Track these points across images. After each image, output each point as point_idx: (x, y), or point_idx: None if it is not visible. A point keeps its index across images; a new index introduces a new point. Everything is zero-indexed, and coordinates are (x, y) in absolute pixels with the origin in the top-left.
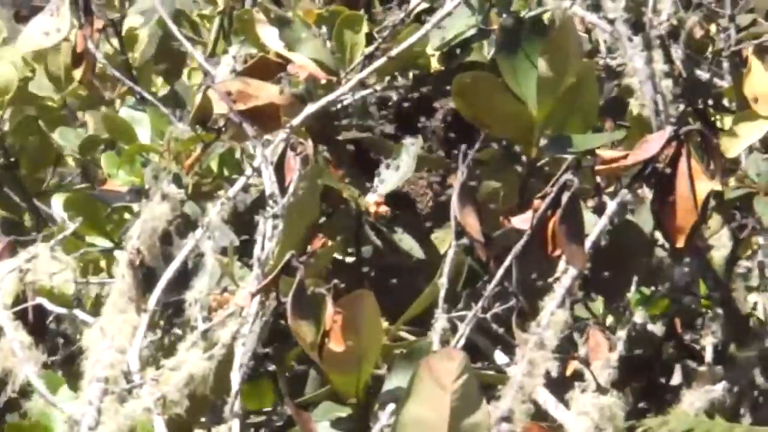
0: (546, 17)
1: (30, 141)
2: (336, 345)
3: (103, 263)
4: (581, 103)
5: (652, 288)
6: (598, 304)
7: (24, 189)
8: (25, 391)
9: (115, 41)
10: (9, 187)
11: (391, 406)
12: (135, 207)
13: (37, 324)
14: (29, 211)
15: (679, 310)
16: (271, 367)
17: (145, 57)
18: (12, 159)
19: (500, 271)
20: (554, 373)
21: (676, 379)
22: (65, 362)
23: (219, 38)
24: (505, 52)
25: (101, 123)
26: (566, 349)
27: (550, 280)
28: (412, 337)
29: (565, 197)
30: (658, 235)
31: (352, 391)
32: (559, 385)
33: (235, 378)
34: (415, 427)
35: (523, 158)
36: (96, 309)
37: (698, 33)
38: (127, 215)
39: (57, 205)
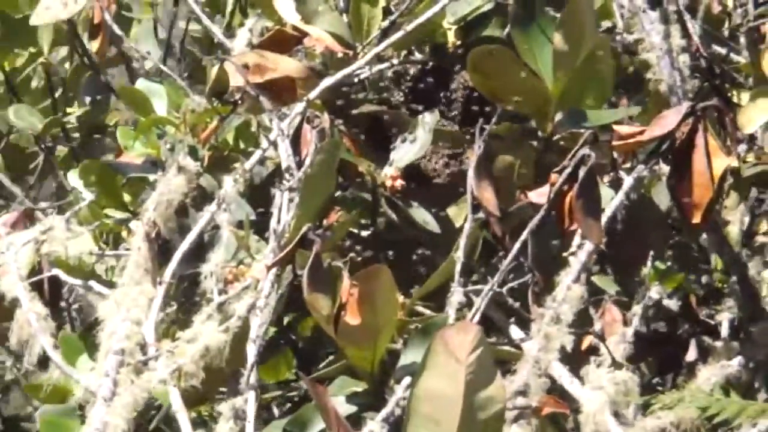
0: None
1: None
2: (352, 318)
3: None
4: (596, 77)
5: (668, 263)
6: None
7: None
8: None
9: None
10: None
11: (407, 381)
12: (151, 178)
13: (52, 295)
14: None
15: (695, 284)
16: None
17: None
18: None
19: (516, 246)
20: (569, 348)
21: (692, 354)
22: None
23: (235, 11)
24: (520, 26)
25: None
26: (582, 323)
27: (566, 254)
28: (428, 312)
29: (582, 172)
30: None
31: (367, 365)
32: (575, 360)
33: (251, 350)
34: (430, 400)
35: (539, 133)
36: (114, 280)
37: (716, 8)
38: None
39: (72, 177)
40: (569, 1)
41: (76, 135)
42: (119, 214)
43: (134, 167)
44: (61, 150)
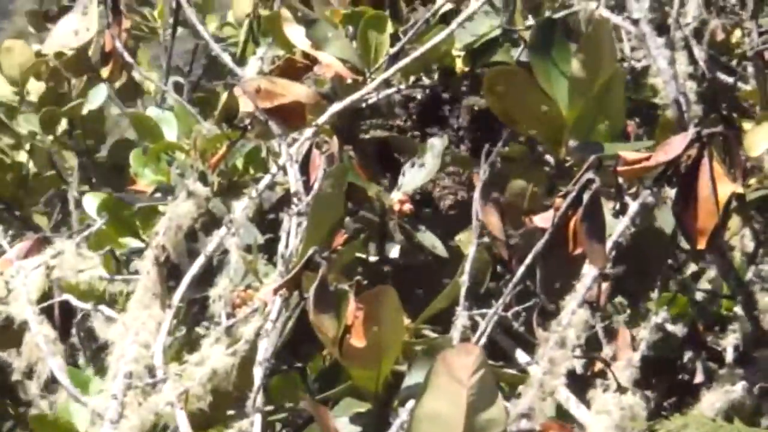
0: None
1: None
2: (357, 340)
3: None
4: (611, 105)
5: (675, 290)
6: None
7: None
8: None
9: None
10: None
11: (411, 403)
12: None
13: (63, 320)
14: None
15: (701, 310)
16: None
17: None
18: None
19: (521, 270)
20: (578, 372)
21: (699, 377)
22: (92, 358)
23: (248, 41)
24: (539, 52)
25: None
26: (591, 347)
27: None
28: (433, 335)
29: (586, 196)
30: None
31: (372, 386)
32: (584, 383)
33: (258, 373)
34: (432, 422)
35: (550, 158)
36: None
37: (719, 35)
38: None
39: (89, 204)
40: (589, 30)
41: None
42: (132, 242)
43: (146, 198)
44: None
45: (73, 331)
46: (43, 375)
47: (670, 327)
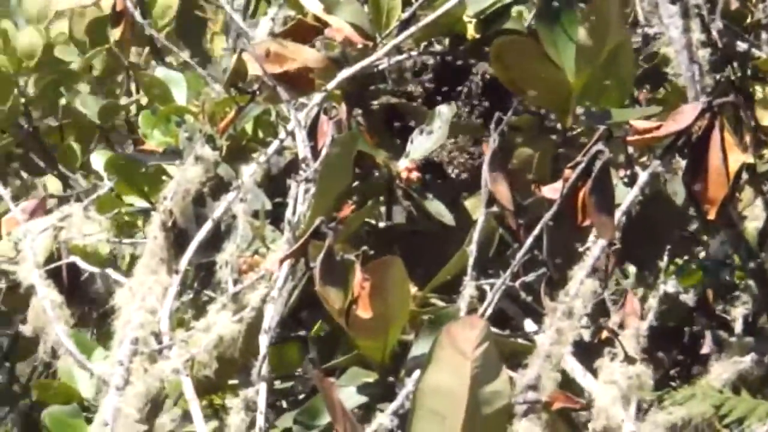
0: None
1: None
2: (363, 312)
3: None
4: (618, 73)
5: (685, 258)
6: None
7: (48, 154)
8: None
9: None
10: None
11: (418, 373)
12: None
13: (70, 283)
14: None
15: (713, 281)
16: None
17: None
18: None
19: (529, 240)
20: (585, 341)
21: (707, 347)
22: (98, 322)
23: (260, 0)
24: (545, 19)
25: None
26: (599, 316)
27: (581, 249)
28: (441, 304)
29: (596, 167)
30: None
31: (378, 356)
32: (592, 351)
33: (263, 341)
34: (436, 395)
35: (558, 126)
36: (131, 269)
37: (734, 4)
38: (164, 177)
39: (97, 162)
40: None
41: None
42: (138, 202)
43: (154, 157)
44: None
45: None
46: (50, 340)
47: (680, 296)
